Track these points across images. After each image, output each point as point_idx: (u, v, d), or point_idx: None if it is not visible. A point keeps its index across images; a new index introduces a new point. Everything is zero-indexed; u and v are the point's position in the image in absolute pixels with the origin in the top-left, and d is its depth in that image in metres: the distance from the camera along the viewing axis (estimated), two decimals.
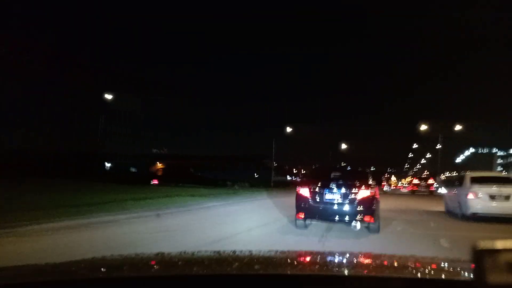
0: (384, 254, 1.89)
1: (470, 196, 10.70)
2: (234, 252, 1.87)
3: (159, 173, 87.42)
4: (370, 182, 9.05)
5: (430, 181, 34.11)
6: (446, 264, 1.67)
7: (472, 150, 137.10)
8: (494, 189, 10.65)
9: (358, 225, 8.08)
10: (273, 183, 56.84)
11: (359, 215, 7.98)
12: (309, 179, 9.04)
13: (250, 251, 1.86)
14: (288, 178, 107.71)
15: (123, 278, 1.42)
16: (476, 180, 11.33)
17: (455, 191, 12.55)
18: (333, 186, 8.32)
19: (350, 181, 8.43)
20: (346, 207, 8.12)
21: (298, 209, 8.50)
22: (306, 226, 8.71)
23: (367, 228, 8.13)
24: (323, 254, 1.99)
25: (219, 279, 1.39)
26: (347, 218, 8.10)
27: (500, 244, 0.82)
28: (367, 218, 7.94)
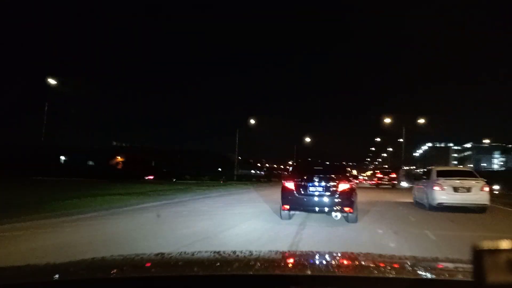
0: (384, 254, 1.93)
1: (436, 188, 11.88)
2: (234, 252, 1.91)
3: (119, 167, 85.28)
4: (349, 176, 9.91)
5: (393, 175, 35.96)
6: (446, 264, 1.70)
7: (429, 144, 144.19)
8: (457, 182, 11.87)
9: (339, 215, 8.88)
10: (237, 177, 56.92)
11: (339, 206, 8.75)
12: (293, 174, 9.67)
13: (250, 251, 1.92)
14: (253, 172, 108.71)
15: (123, 279, 1.44)
16: (441, 174, 12.57)
17: (422, 183, 13.76)
18: (316, 180, 9.04)
19: (331, 175, 9.17)
20: (328, 199, 8.87)
21: (284, 201, 9.15)
22: (290, 217, 9.38)
23: (346, 218, 8.92)
24: (324, 255, 2.05)
25: (219, 279, 1.41)
26: (329, 209, 8.85)
27: (500, 244, 0.83)
28: (346, 209, 8.73)
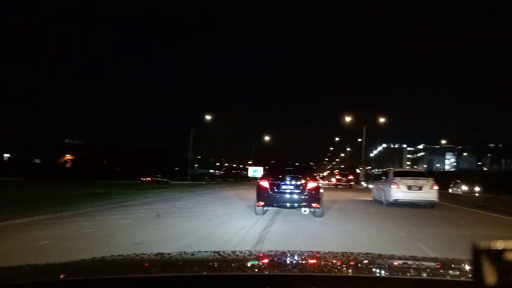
0: (384, 254, 2.00)
1: (393, 186, 13.59)
2: (234, 252, 1.98)
3: (67, 166, 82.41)
4: (316, 176, 11.21)
5: (350, 177, 38.33)
6: (446, 264, 1.74)
7: (384, 145, 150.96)
8: (411, 181, 13.62)
9: (307, 210, 10.15)
10: (191, 177, 55.43)
11: (308, 202, 9.99)
12: (267, 174, 10.81)
13: (250, 251, 2.00)
14: (211, 171, 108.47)
15: (123, 279, 1.47)
16: (397, 174, 14.39)
17: (381, 183, 15.50)
18: (287, 179, 10.23)
19: (300, 174, 10.39)
20: (298, 196, 10.08)
21: (259, 198, 10.25)
22: (263, 213, 10.50)
23: (313, 213, 10.17)
24: (324, 254, 2.10)
25: (219, 279, 1.45)
26: (298, 205, 10.08)
27: (500, 244, 0.84)
28: (314, 205, 9.98)
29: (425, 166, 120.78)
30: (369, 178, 36.58)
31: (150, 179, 45.02)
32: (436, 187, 13.59)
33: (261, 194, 10.26)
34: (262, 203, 10.25)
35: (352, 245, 6.24)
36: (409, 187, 13.42)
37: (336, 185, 36.76)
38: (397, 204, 13.49)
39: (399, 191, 13.40)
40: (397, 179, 13.76)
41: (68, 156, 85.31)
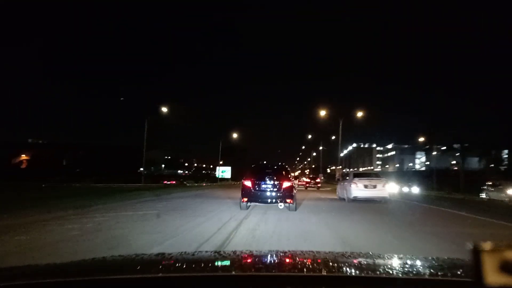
0: (384, 254, 2.12)
1: (353, 185, 17.12)
2: (234, 252, 2.14)
3: (23, 166, 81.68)
4: (290, 176, 14.44)
5: (318, 180, 45.97)
6: (446, 264, 1.85)
7: (354, 145, 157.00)
8: (367, 181, 17.17)
9: (282, 205, 13.30)
10: (155, 178, 56.72)
11: (283, 198, 13.14)
12: (250, 174, 13.92)
13: (250, 251, 2.17)
14: (180, 171, 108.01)
15: (123, 279, 1.54)
16: (356, 175, 18.02)
17: (343, 182, 19.06)
18: (267, 179, 13.37)
19: (277, 175, 13.56)
20: (275, 193, 13.22)
21: (243, 195, 13.32)
22: (247, 208, 13.60)
23: (288, 207, 13.34)
24: (324, 254, 2.24)
25: (220, 279, 1.54)
26: (275, 200, 13.22)
27: (499, 244, 0.88)
28: (288, 200, 13.12)
29: (397, 165, 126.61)
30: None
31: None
32: (387, 185, 17.29)
33: (245, 192, 13.34)
34: (246, 199, 13.32)
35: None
36: (366, 186, 17.00)
37: (306, 187, 42.50)
38: (357, 200, 17.03)
39: (357, 190, 16.97)
40: (356, 179, 17.34)
41: (23, 156, 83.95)
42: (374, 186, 17.00)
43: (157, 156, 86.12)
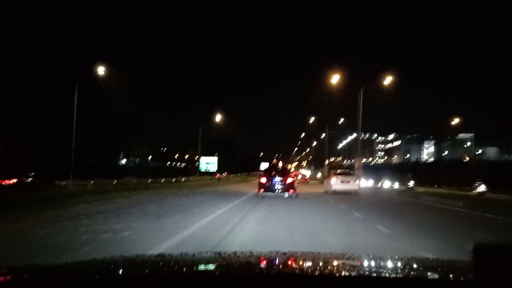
0: (384, 254, 2.34)
1: (333, 181, 27.04)
2: (234, 252, 2.34)
3: None
4: (292, 174, 24.71)
5: (307, 176, 60.16)
6: (446, 264, 2.05)
7: (354, 135, 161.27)
8: (343, 177, 27.13)
9: (287, 194, 23.21)
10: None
11: (288, 189, 23.03)
12: (265, 173, 23.96)
13: (250, 252, 2.35)
14: (168, 163, 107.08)
15: (124, 279, 1.68)
16: (336, 173, 28.06)
17: (327, 178, 29.25)
18: (276, 176, 23.38)
19: (283, 174, 23.68)
20: (282, 186, 23.08)
21: (260, 187, 23.24)
22: (263, 197, 23.50)
23: (290, 196, 23.18)
24: (325, 255, 2.45)
25: (220, 279, 1.66)
26: (282, 191, 23.13)
27: (499, 244, 0.99)
28: (291, 191, 23.03)
29: (407, 155, 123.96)
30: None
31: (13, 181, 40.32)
32: (358, 181, 27.40)
33: (262, 185, 23.18)
34: (262, 190, 23.24)
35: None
36: (343, 181, 26.83)
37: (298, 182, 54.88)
38: (337, 192, 26.85)
39: (337, 184, 26.79)
40: (336, 176, 27.23)
41: None
42: (348, 182, 26.91)
43: (139, 149, 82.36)
